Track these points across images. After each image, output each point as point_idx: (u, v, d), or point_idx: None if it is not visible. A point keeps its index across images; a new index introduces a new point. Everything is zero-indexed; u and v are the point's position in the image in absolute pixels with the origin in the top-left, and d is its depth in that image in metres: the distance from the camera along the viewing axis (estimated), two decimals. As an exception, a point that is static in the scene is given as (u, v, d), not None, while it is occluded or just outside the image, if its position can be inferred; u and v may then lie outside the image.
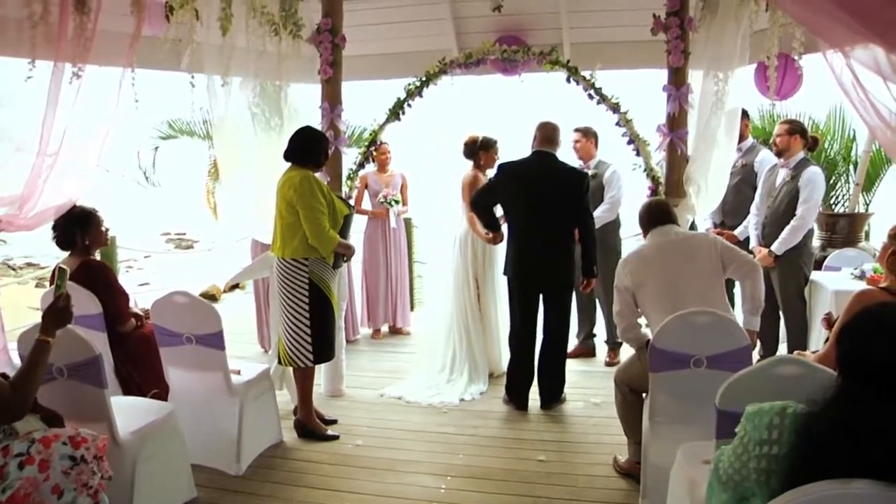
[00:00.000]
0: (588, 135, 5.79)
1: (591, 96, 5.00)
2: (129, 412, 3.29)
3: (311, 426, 4.44)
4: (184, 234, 22.59)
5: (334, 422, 4.63)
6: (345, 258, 4.46)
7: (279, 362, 4.50)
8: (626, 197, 5.83)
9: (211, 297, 9.97)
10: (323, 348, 4.34)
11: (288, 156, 4.31)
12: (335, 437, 4.43)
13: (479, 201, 5.12)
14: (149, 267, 13.26)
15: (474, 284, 5.61)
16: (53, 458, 2.32)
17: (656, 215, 3.90)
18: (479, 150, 5.63)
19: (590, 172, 5.82)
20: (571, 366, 5.38)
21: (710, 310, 3.30)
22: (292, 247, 4.23)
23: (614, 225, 5.84)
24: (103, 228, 4.09)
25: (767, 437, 1.70)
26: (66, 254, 4.01)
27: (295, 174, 4.21)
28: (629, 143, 4.99)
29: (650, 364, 3.40)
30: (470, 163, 5.70)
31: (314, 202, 4.13)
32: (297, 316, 4.26)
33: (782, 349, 5.25)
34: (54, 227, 3.96)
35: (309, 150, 4.29)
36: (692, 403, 3.28)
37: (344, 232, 4.35)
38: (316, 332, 4.28)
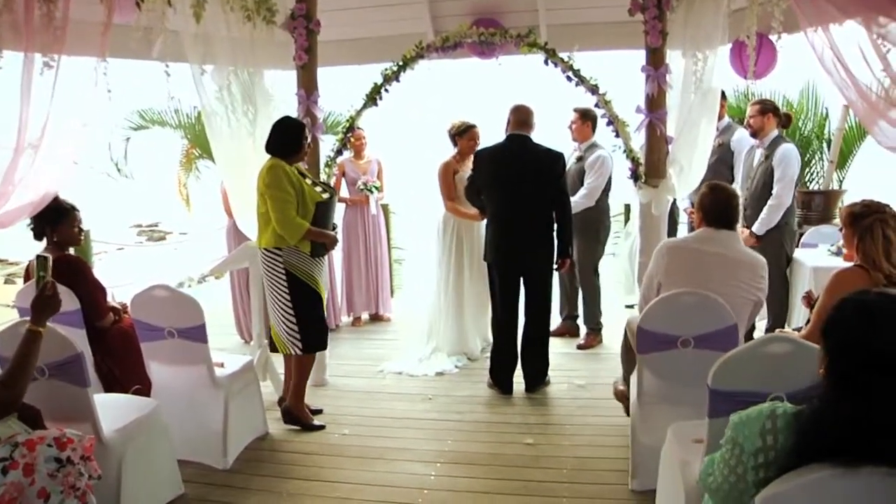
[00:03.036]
0: (585, 117, 5.75)
1: (569, 78, 4.97)
2: (112, 410, 3.23)
3: (300, 415, 4.41)
4: (156, 225, 22.28)
5: (320, 411, 4.60)
6: (325, 247, 4.37)
7: (273, 350, 4.46)
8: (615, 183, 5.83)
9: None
10: (311, 336, 4.30)
11: (266, 147, 4.28)
12: (321, 427, 4.40)
13: (472, 197, 5.24)
14: (121, 260, 13.05)
15: (456, 266, 5.67)
16: (38, 462, 2.26)
17: (721, 213, 3.48)
18: (455, 136, 5.68)
19: (577, 154, 5.83)
20: (554, 348, 5.39)
21: (696, 290, 3.31)
22: (266, 237, 4.22)
23: (598, 211, 5.80)
24: (76, 228, 3.99)
25: (762, 444, 1.67)
26: (31, 249, 3.92)
27: (266, 164, 4.20)
28: (608, 124, 4.99)
29: (637, 346, 3.41)
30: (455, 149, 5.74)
31: (279, 191, 4.09)
32: (281, 305, 4.24)
33: (761, 325, 5.32)
34: (30, 217, 3.86)
35: (282, 141, 4.25)
36: (680, 383, 3.32)
37: (324, 220, 4.28)
38: (301, 320, 4.25)
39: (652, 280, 3.61)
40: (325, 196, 4.33)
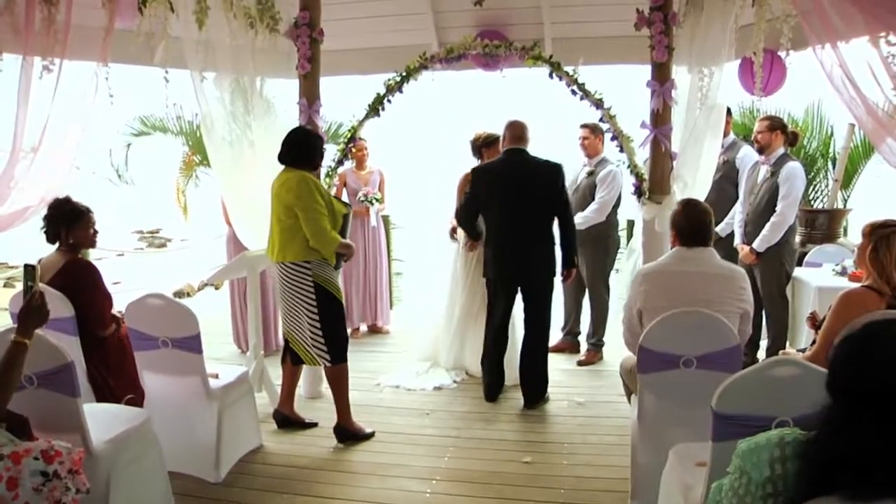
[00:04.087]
0: (596, 131, 5.71)
1: (574, 92, 4.94)
2: (103, 420, 3.16)
3: (353, 430, 4.36)
4: (157, 231, 22.23)
5: (315, 425, 4.54)
6: (345, 258, 4.40)
7: (296, 362, 4.41)
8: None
9: (185, 295, 9.82)
10: (339, 347, 4.28)
11: (283, 158, 4.22)
12: (372, 435, 4.39)
13: (464, 216, 5.16)
14: (122, 266, 13.02)
15: (473, 283, 5.54)
16: (23, 475, 2.20)
17: (693, 230, 3.45)
18: (481, 147, 5.52)
19: (588, 169, 5.79)
20: (554, 364, 5.34)
21: (698, 310, 3.25)
22: (293, 250, 4.15)
23: (607, 225, 5.78)
24: (91, 231, 3.91)
25: (770, 473, 1.61)
26: (32, 252, 3.85)
27: (291, 176, 4.13)
28: (613, 139, 4.95)
29: (638, 365, 3.35)
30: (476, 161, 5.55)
31: (313, 203, 4.07)
32: (306, 319, 4.20)
33: (762, 345, 5.26)
34: (43, 219, 3.79)
35: (304, 151, 4.23)
36: (682, 404, 3.25)
37: (343, 231, 4.29)
38: (328, 332, 4.22)
39: (632, 309, 3.55)
40: (347, 209, 4.38)
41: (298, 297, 4.19)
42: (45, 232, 3.82)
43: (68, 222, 3.79)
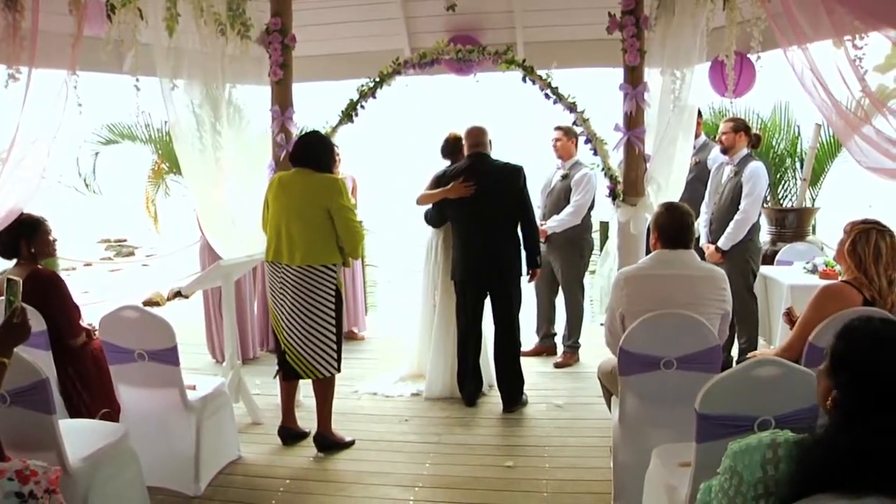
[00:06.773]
0: (570, 133, 5.71)
1: (547, 96, 4.98)
2: (78, 436, 3.08)
3: (335, 439, 4.33)
4: (124, 240, 21.90)
5: (308, 434, 4.45)
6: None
7: (292, 376, 4.32)
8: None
9: (154, 304, 9.66)
10: (340, 355, 4.27)
11: (308, 161, 4.17)
12: (352, 443, 4.36)
13: (434, 221, 5.20)
14: (90, 275, 12.79)
15: (445, 288, 5.52)
16: (-2, 497, 2.14)
17: (675, 232, 3.46)
18: (461, 148, 5.28)
19: (562, 172, 5.82)
20: (532, 367, 5.34)
21: (678, 311, 3.28)
22: (323, 253, 4.10)
23: (581, 228, 5.81)
24: (51, 238, 3.84)
25: (762, 475, 1.62)
26: (6, 267, 3.77)
27: (324, 178, 4.12)
28: (587, 142, 4.99)
29: (619, 367, 3.37)
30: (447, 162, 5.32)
31: (350, 203, 4.13)
32: (322, 325, 4.13)
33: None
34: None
35: (329, 155, 4.25)
36: (663, 405, 3.27)
37: None
38: (338, 339, 4.20)
39: (614, 313, 3.56)
40: None
41: (317, 302, 4.11)
42: (3, 247, 3.73)
43: (28, 233, 3.72)
